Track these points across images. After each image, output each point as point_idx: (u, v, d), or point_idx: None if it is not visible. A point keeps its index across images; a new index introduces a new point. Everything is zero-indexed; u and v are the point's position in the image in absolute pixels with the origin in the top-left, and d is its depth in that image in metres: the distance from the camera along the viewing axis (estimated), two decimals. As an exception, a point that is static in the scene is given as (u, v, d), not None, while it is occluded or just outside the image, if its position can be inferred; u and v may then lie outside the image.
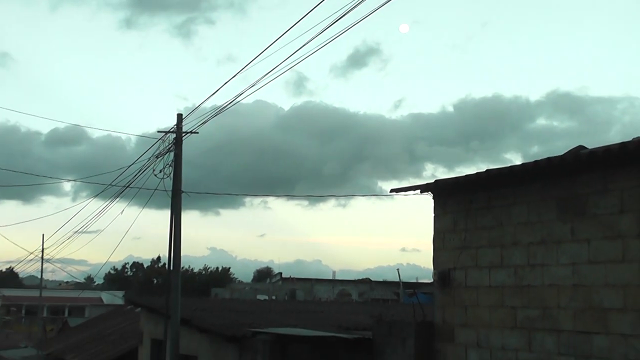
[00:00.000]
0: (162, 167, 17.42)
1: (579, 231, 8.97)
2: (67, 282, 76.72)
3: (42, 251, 39.44)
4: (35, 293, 49.53)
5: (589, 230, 8.84)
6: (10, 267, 72.83)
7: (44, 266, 39.73)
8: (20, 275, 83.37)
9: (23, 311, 64.70)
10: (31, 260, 45.89)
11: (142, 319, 22.35)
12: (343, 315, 19.56)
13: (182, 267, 18.27)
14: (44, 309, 48.02)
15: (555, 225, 9.29)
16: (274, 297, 35.63)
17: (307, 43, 10.87)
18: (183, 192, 17.50)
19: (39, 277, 42.33)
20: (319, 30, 10.49)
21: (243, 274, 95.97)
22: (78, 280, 71.92)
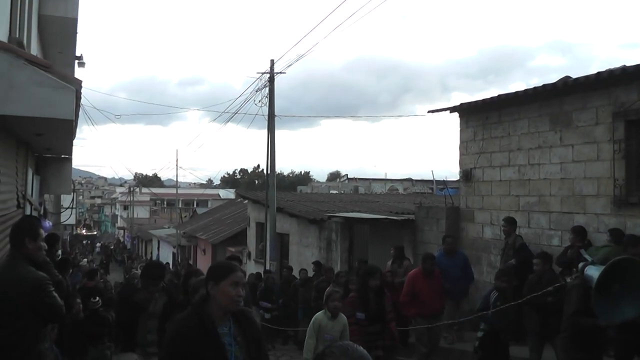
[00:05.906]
0: (260, 99, 17.81)
1: (565, 138, 8.97)
2: (194, 182, 79.19)
3: (177, 161, 40.98)
4: (172, 190, 51.55)
5: (572, 138, 8.84)
6: (155, 173, 76.17)
7: (178, 171, 41.26)
8: (162, 178, 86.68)
9: (165, 203, 67.56)
10: (169, 167, 47.67)
11: (249, 208, 23.04)
12: (392, 204, 19.73)
13: (276, 171, 18.80)
14: (179, 201, 49.88)
15: (548, 134, 9.29)
16: (342, 192, 36.15)
17: (363, 6, 10.87)
18: (276, 116, 17.82)
19: (175, 179, 43.96)
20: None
21: (319, 175, 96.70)
22: (202, 182, 74.45)
